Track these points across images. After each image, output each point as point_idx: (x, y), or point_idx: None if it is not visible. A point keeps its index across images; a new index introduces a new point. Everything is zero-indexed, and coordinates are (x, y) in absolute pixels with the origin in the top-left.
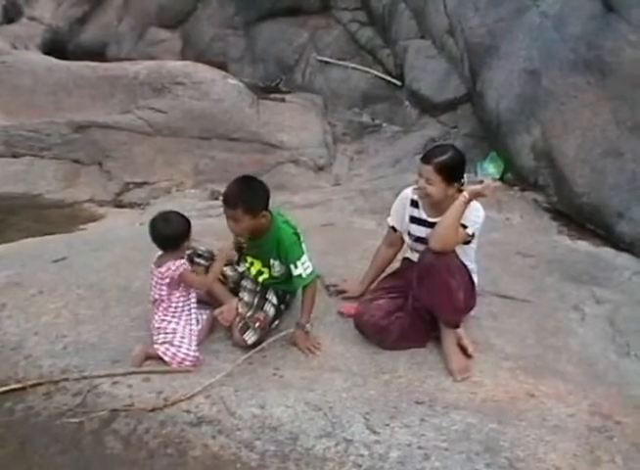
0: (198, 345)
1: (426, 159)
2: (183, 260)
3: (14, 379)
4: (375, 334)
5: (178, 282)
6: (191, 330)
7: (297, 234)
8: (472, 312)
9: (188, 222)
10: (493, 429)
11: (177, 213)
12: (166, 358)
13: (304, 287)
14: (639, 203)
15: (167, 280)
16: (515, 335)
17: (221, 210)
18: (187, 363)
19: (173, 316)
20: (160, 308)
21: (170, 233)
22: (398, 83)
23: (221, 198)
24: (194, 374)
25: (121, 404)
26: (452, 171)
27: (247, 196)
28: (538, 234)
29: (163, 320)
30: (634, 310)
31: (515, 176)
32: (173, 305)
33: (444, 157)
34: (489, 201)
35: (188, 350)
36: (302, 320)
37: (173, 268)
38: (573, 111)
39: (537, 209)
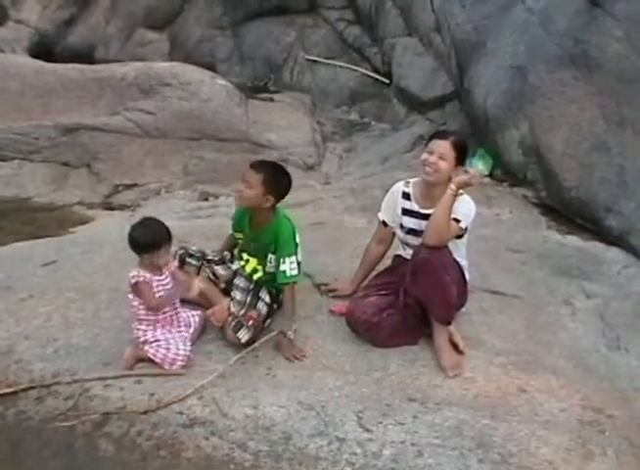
0: (192, 345)
1: (442, 135)
2: (142, 272)
3: (5, 383)
4: (366, 331)
5: (136, 291)
6: (174, 333)
7: (294, 232)
8: (462, 308)
9: (152, 233)
10: (486, 425)
11: (153, 221)
12: (157, 360)
13: (283, 288)
14: (627, 197)
15: (129, 288)
16: (506, 330)
17: (211, 210)
18: (178, 363)
19: (148, 325)
20: (135, 316)
21: (135, 237)
22: (386, 81)
23: (250, 163)
24: (186, 375)
25: (114, 407)
26: (463, 152)
27: (274, 172)
28: (528, 229)
29: (139, 329)
30: (624, 304)
31: (504, 172)
32: (142, 313)
33: (458, 136)
34: (479, 196)
35: (178, 350)
36: (285, 328)
37: (130, 276)
38: (561, 106)
39: (526, 204)
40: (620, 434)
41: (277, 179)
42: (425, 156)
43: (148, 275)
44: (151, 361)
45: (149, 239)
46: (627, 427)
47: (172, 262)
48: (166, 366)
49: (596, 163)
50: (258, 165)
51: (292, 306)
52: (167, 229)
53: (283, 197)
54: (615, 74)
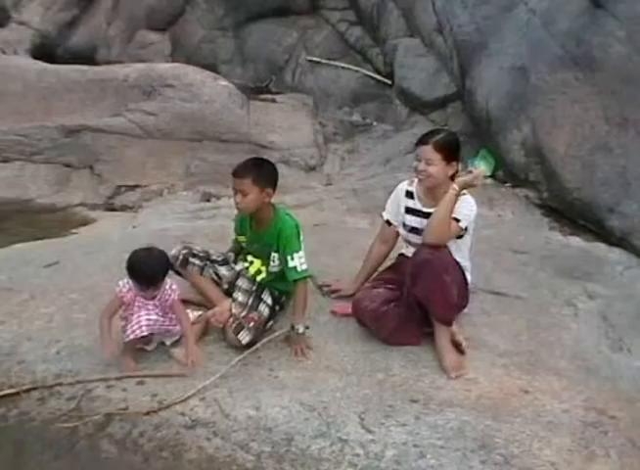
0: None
1: (423, 140)
2: (128, 287)
3: (7, 384)
4: (373, 320)
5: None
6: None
7: (297, 228)
8: (465, 310)
9: (151, 272)
10: (488, 426)
11: (154, 256)
12: (131, 336)
13: (295, 284)
14: (629, 197)
15: None
16: (508, 331)
17: (212, 212)
18: (143, 326)
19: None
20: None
21: (133, 270)
22: (388, 82)
23: (231, 172)
24: (188, 377)
25: (116, 408)
26: (450, 149)
27: (257, 167)
28: (530, 230)
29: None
30: (626, 305)
31: (506, 173)
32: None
33: (441, 136)
34: (481, 198)
35: (140, 317)
36: (295, 321)
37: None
38: (563, 107)
39: (529, 205)
40: (623, 435)
41: (264, 172)
42: (415, 163)
43: (130, 294)
44: (137, 350)
45: (146, 278)
46: (630, 428)
47: (174, 293)
48: (137, 332)
49: (598, 163)
50: (241, 171)
51: (303, 303)
52: (168, 264)
53: (276, 183)
54: (617, 75)
